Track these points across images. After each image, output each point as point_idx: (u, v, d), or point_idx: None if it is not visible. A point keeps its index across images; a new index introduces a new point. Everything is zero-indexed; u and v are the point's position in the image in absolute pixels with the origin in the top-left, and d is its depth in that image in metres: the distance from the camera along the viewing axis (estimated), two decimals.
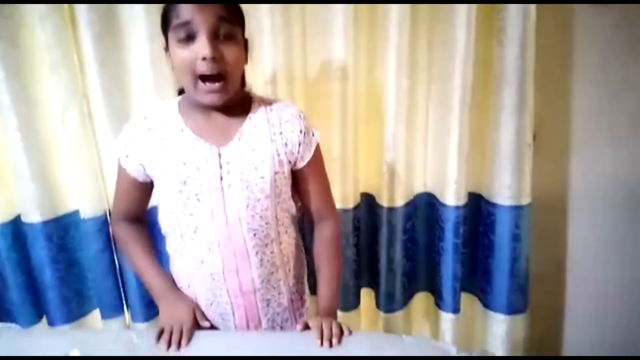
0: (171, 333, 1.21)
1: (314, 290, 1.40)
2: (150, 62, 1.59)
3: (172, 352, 1.18)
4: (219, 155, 1.19)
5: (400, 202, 1.78)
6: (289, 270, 1.35)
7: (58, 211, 1.74)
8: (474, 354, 1.12)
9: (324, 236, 1.36)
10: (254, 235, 1.23)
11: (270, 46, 1.59)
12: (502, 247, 1.78)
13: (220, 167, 1.18)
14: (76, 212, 1.75)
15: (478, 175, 1.79)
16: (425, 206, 1.85)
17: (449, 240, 1.80)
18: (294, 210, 1.34)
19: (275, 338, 1.26)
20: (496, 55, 1.63)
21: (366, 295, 1.98)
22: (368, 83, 1.71)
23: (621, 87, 1.78)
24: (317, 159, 1.30)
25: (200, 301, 1.32)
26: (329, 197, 1.39)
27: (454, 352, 1.13)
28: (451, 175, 1.73)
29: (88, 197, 1.72)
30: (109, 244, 1.79)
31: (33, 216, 1.68)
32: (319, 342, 1.17)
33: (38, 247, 1.71)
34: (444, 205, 1.78)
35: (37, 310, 1.81)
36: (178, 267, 1.34)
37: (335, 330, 1.19)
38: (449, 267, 1.83)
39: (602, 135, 1.82)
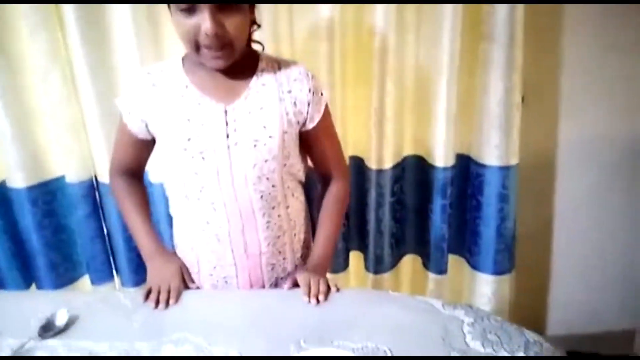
0: (159, 292, 1.21)
1: None
2: (132, 22, 1.55)
3: (160, 311, 1.18)
4: (225, 112, 1.16)
5: (388, 164, 1.78)
6: (295, 235, 1.34)
7: (43, 176, 1.72)
8: (459, 308, 1.13)
9: (332, 193, 1.35)
10: (261, 197, 1.22)
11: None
12: (490, 208, 1.79)
13: (227, 125, 1.16)
14: (62, 177, 1.74)
15: (466, 136, 1.78)
16: (414, 168, 1.85)
17: (437, 202, 1.81)
18: (301, 175, 1.33)
19: (262, 296, 1.27)
20: (485, 15, 1.61)
21: (355, 258, 2.00)
22: (355, 43, 1.68)
23: (610, 48, 1.77)
24: (326, 119, 1.26)
25: (203, 265, 1.31)
26: (340, 159, 1.36)
27: (438, 306, 1.15)
28: (439, 136, 1.73)
29: (73, 161, 1.71)
30: (96, 209, 1.79)
31: (18, 181, 1.67)
32: (305, 298, 1.18)
33: (24, 213, 1.71)
34: (432, 166, 1.78)
35: (26, 276, 1.81)
36: (182, 229, 1.33)
37: (322, 287, 1.20)
38: (436, 228, 1.84)
39: (591, 95, 1.82)
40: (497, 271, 1.85)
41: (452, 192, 1.82)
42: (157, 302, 1.20)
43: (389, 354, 1.01)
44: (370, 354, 0.98)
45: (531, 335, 1.06)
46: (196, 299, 1.24)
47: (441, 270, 1.89)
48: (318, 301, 1.17)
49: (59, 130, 1.66)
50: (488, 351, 1.01)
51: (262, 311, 1.18)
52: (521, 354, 1.00)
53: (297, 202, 1.33)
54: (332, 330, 1.07)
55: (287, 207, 1.30)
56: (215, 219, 1.24)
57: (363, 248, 1.97)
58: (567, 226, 2.00)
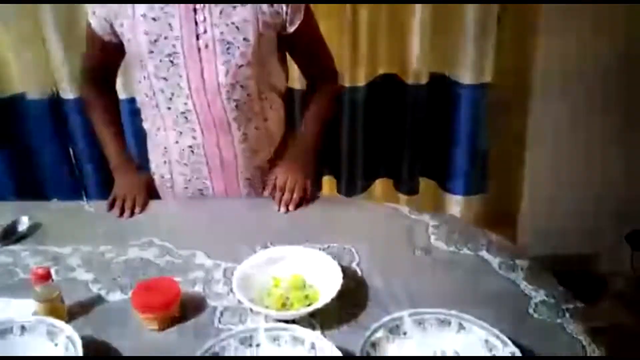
0: (124, 201, 1.19)
1: None
2: None
3: (125, 219, 1.17)
4: (194, 10, 1.08)
5: (362, 81, 1.74)
6: (275, 150, 1.29)
7: (3, 92, 1.65)
8: (425, 214, 1.14)
9: (321, 89, 1.31)
10: (236, 106, 1.15)
11: None
12: (462, 128, 1.79)
13: (196, 25, 1.08)
14: (22, 94, 1.67)
15: (442, 55, 1.75)
16: (388, 87, 1.82)
17: (410, 122, 1.80)
18: (281, 86, 1.25)
19: (232, 203, 1.25)
20: None
21: (327, 183, 1.99)
22: None
23: None
24: (309, 23, 1.17)
25: (178, 178, 1.27)
26: (330, 62, 1.31)
27: (405, 211, 1.16)
28: (414, 54, 1.69)
29: (33, 78, 1.63)
30: (60, 130, 1.73)
31: None
32: (275, 207, 1.17)
33: None
34: (406, 84, 1.75)
35: None
36: (155, 142, 1.27)
37: (295, 194, 1.18)
38: (408, 148, 1.84)
39: (569, 13, 1.78)
40: (468, 192, 1.87)
41: (426, 112, 1.80)
42: (122, 211, 1.18)
43: (354, 253, 1.02)
44: (335, 253, 0.98)
45: (494, 237, 1.08)
46: (163, 208, 1.23)
47: (412, 190, 1.90)
48: (287, 210, 1.16)
49: (18, 44, 1.58)
50: (451, 249, 1.02)
51: (231, 217, 1.17)
52: (484, 252, 1.01)
53: (276, 116, 1.26)
54: (301, 233, 1.07)
55: (266, 120, 1.23)
56: (188, 130, 1.18)
57: (335, 172, 1.96)
58: (541, 148, 2.01)
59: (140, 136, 1.35)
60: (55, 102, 1.68)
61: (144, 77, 1.15)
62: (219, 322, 0.85)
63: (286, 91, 1.31)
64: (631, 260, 2.16)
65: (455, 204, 1.90)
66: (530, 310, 0.86)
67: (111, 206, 1.20)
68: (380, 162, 1.96)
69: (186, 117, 1.17)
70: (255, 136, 1.22)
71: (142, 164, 1.36)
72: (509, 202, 2.04)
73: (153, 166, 1.32)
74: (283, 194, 1.19)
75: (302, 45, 1.22)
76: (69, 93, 1.66)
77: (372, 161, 1.94)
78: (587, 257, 2.26)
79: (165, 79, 1.13)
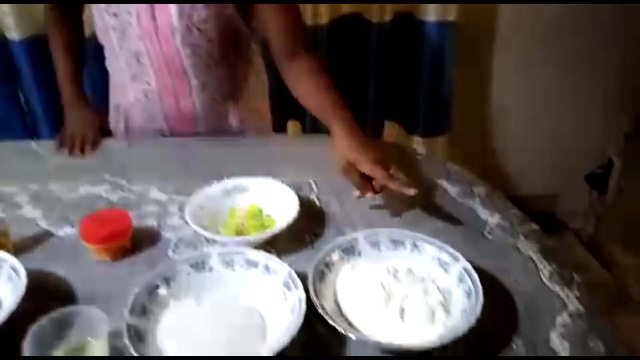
0: (74, 139, 1.15)
1: None
2: None
3: (75, 157, 1.12)
4: None
5: (324, 20, 1.69)
6: (241, 102, 1.21)
7: None
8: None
9: (304, 69, 1.04)
10: (192, 52, 1.06)
11: None
12: (427, 69, 1.77)
13: None
14: None
15: None
16: (351, 26, 1.77)
17: (374, 63, 1.77)
18: (248, 31, 1.13)
19: (186, 141, 1.21)
20: None
21: (292, 127, 1.96)
22: None
23: None
24: None
25: (132, 122, 1.22)
26: (303, 29, 1.11)
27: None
28: None
29: None
30: (9, 74, 1.64)
31: None
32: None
33: None
34: (370, 23, 1.71)
35: None
36: (112, 82, 1.22)
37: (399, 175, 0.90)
38: (372, 89, 1.81)
39: None
40: (431, 133, 1.87)
41: (390, 53, 1.77)
42: (73, 150, 1.14)
43: (313, 185, 1.00)
44: (294, 186, 0.96)
45: (453, 167, 1.08)
46: (116, 145, 1.19)
47: (376, 134, 1.89)
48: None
49: None
50: (411, 179, 1.02)
51: (188, 154, 1.14)
52: (442, 181, 1.01)
53: (244, 64, 1.19)
54: (260, 169, 1.04)
55: (230, 68, 1.15)
56: (141, 74, 1.12)
57: (300, 116, 1.93)
58: (505, 90, 2.01)
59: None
60: (1, 44, 1.58)
61: (98, 13, 1.07)
62: (174, 252, 0.84)
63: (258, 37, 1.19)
64: (589, 199, 2.22)
65: (419, 145, 1.90)
66: (485, 233, 0.87)
67: (60, 144, 1.15)
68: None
69: (138, 60, 1.09)
70: (217, 85, 1.15)
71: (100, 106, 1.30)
72: (473, 144, 2.06)
73: (111, 108, 1.26)
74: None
75: (268, 9, 1.03)
76: (14, 34, 1.57)
77: None
78: (548, 197, 2.31)
79: (115, 15, 1.05)
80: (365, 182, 0.88)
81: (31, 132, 1.74)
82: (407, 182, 0.87)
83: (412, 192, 0.83)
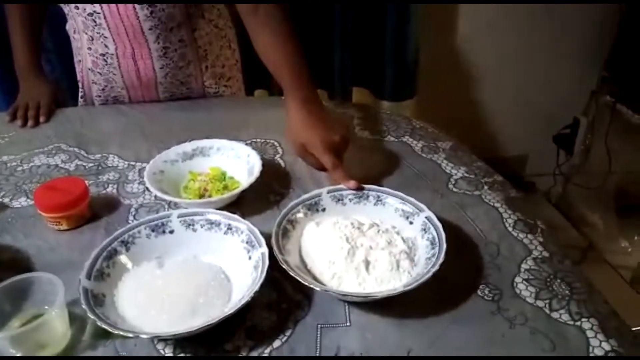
0: (27, 109, 1.10)
1: None
2: None
3: (29, 128, 1.08)
4: None
5: None
6: (207, 68, 1.16)
7: None
8: (350, 107, 1.11)
9: (265, 16, 0.93)
10: (151, 13, 1.02)
11: None
12: (392, 33, 1.75)
13: None
14: None
15: None
16: None
17: (339, 28, 1.74)
18: None
19: (146, 106, 1.17)
20: None
21: (259, 95, 1.93)
22: None
23: None
24: None
25: (92, 87, 1.17)
26: None
27: (330, 106, 1.12)
28: None
29: None
30: None
31: None
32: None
33: None
34: None
35: None
36: (73, 46, 1.17)
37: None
38: (339, 56, 1.79)
39: None
40: (399, 97, 1.86)
41: (355, 17, 1.74)
42: (26, 121, 1.09)
43: (277, 147, 0.99)
44: (259, 149, 0.95)
45: (418, 123, 1.07)
46: (72, 114, 1.14)
47: (345, 100, 1.87)
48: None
49: None
50: (376, 137, 1.01)
51: (147, 120, 1.10)
52: (407, 138, 1.00)
53: (209, 27, 1.13)
54: (222, 132, 1.02)
55: (194, 31, 1.11)
56: (99, 36, 1.07)
57: (266, 85, 1.90)
58: (472, 52, 2.01)
59: None
60: None
61: None
62: (134, 218, 0.81)
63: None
64: (557, 160, 2.25)
65: (387, 109, 1.88)
66: (450, 186, 0.87)
67: (13, 116, 1.10)
68: (312, 72, 1.90)
69: (94, 20, 1.04)
70: (180, 51, 1.11)
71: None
72: (441, 108, 2.05)
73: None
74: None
75: None
76: None
77: None
78: (517, 159, 2.34)
79: None
80: (321, 163, 0.84)
81: None
82: (349, 175, 0.79)
83: (352, 184, 0.76)
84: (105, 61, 1.11)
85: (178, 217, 0.71)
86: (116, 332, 0.55)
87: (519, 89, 2.15)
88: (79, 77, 1.22)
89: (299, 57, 0.91)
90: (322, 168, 0.86)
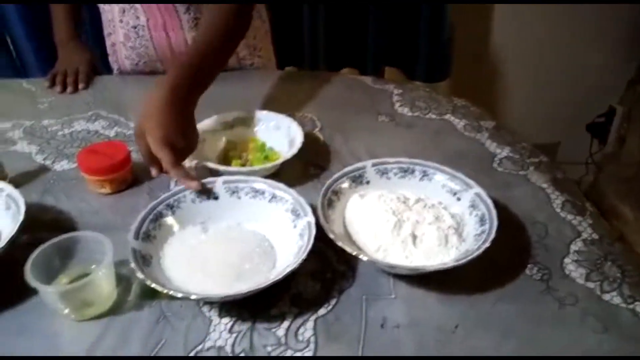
0: (66, 76, 1.10)
1: None
2: None
3: (68, 95, 1.08)
4: None
5: None
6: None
7: None
8: (389, 83, 1.09)
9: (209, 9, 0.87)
10: None
11: None
12: (425, 13, 1.71)
13: None
14: None
15: None
16: None
17: (373, 8, 1.71)
18: None
19: None
20: None
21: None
22: None
23: None
24: None
25: (125, 62, 1.17)
26: None
27: (368, 81, 1.11)
28: None
29: None
30: None
31: None
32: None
33: None
34: None
35: None
36: (104, 19, 1.16)
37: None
38: (372, 35, 1.76)
39: None
40: (431, 78, 1.83)
41: None
42: (65, 87, 1.09)
43: (315, 121, 0.97)
44: (294, 125, 0.93)
45: (460, 101, 1.05)
46: (110, 82, 1.15)
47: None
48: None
49: None
50: (416, 114, 0.99)
51: None
52: (449, 116, 0.98)
53: None
54: (261, 104, 1.01)
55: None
56: (130, 8, 1.07)
57: (298, 64, 1.88)
58: (507, 34, 1.96)
59: None
60: None
61: None
62: (175, 184, 0.81)
63: None
64: (590, 149, 2.20)
65: None
66: (495, 165, 0.85)
67: (53, 82, 1.11)
68: (344, 51, 1.88)
69: None
70: None
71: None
72: (473, 91, 2.01)
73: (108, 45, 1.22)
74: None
75: None
76: None
77: (336, 51, 1.86)
78: (548, 146, 2.29)
79: None
80: (154, 156, 0.72)
81: (20, 72, 1.68)
82: (191, 175, 0.72)
83: (193, 185, 0.69)
84: (137, 34, 1.11)
85: (223, 183, 0.71)
86: (166, 291, 0.55)
87: (554, 74, 2.09)
88: (109, 51, 1.21)
89: (206, 48, 0.81)
90: (153, 161, 0.73)
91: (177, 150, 0.72)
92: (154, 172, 0.75)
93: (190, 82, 0.77)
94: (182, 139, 0.73)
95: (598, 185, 2.17)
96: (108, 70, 1.23)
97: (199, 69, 0.79)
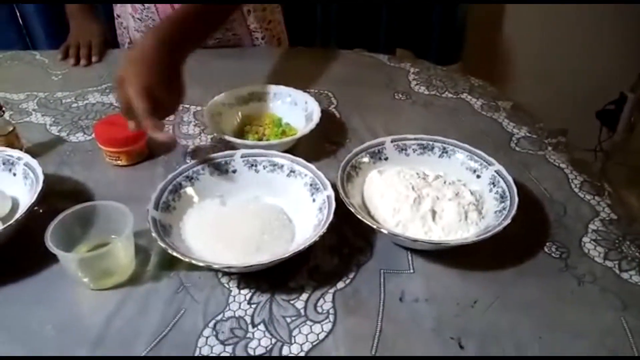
0: (79, 49, 1.09)
1: None
2: None
3: (81, 67, 1.08)
4: None
5: None
6: (249, 11, 1.13)
7: None
8: (405, 62, 1.08)
9: None
10: None
11: None
12: None
13: None
14: None
15: None
16: None
17: None
18: None
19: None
20: None
21: None
22: None
23: None
24: None
25: (135, 34, 1.15)
26: None
27: (384, 59, 1.10)
28: None
29: None
30: None
31: None
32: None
33: None
34: None
35: None
36: None
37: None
38: (384, 17, 1.74)
39: None
40: (442, 61, 1.81)
41: None
42: (78, 60, 1.09)
43: (332, 97, 0.97)
44: (311, 100, 0.92)
45: (477, 81, 1.04)
46: (121, 56, 1.13)
47: None
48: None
49: None
50: (433, 93, 0.98)
51: (200, 65, 1.08)
52: (466, 95, 0.98)
53: None
54: (273, 78, 1.01)
55: None
56: None
57: (309, 44, 1.87)
58: (519, 19, 1.94)
59: None
60: None
61: None
62: (191, 157, 0.81)
63: None
64: (599, 136, 2.19)
65: None
66: (512, 144, 0.84)
67: (65, 54, 1.10)
68: (356, 33, 1.87)
69: None
70: None
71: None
72: (484, 74, 2.00)
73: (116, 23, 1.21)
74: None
75: None
76: None
77: (347, 32, 1.84)
78: (557, 132, 2.28)
79: None
80: (131, 109, 0.66)
81: (28, 45, 1.66)
82: (161, 125, 0.67)
83: (162, 136, 0.65)
84: (144, 6, 1.10)
85: (241, 157, 0.71)
86: (187, 260, 0.55)
87: (565, 60, 2.07)
88: (118, 31, 1.20)
89: (202, 6, 0.77)
90: (129, 113, 0.68)
91: (159, 104, 0.66)
92: (131, 125, 0.68)
93: (180, 36, 0.72)
94: (165, 93, 0.67)
95: (606, 173, 2.16)
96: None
97: (191, 25, 0.74)
